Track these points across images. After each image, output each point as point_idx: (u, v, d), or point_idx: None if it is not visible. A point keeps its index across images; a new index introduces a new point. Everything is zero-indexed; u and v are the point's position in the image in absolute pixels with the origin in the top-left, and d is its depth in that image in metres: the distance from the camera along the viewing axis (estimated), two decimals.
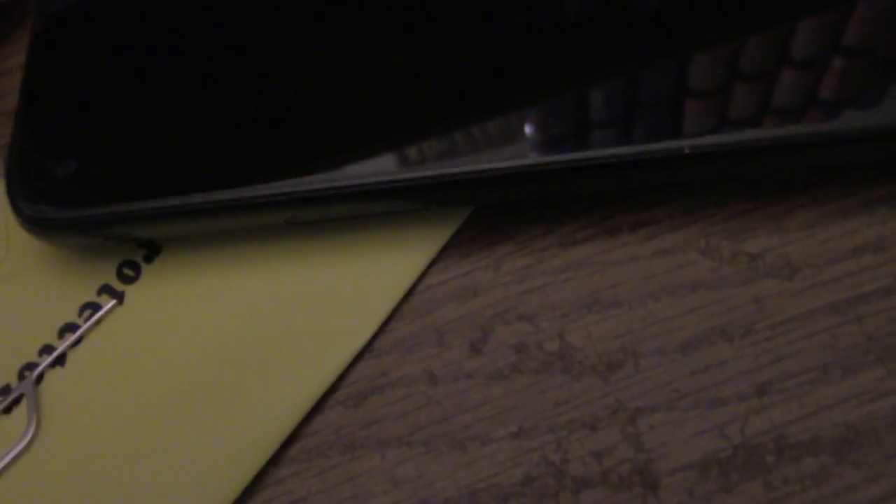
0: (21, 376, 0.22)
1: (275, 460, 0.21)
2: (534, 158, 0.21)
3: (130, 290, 0.23)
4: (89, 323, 0.22)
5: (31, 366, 0.22)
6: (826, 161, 0.21)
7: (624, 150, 0.20)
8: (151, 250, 0.23)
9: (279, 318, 0.22)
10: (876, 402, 0.20)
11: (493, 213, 0.22)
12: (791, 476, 0.19)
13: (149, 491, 0.21)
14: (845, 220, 0.21)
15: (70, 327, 0.22)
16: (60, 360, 0.22)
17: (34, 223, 0.22)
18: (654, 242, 0.22)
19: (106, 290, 0.23)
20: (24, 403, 0.22)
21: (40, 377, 0.22)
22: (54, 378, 0.22)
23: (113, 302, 0.23)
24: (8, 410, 0.22)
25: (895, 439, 0.20)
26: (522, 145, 0.21)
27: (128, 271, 0.23)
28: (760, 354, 0.20)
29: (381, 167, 0.21)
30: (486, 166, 0.21)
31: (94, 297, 0.23)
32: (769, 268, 0.21)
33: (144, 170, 0.22)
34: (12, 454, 0.21)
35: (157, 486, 0.21)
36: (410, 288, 0.22)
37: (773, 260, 0.21)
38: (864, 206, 0.22)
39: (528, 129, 0.21)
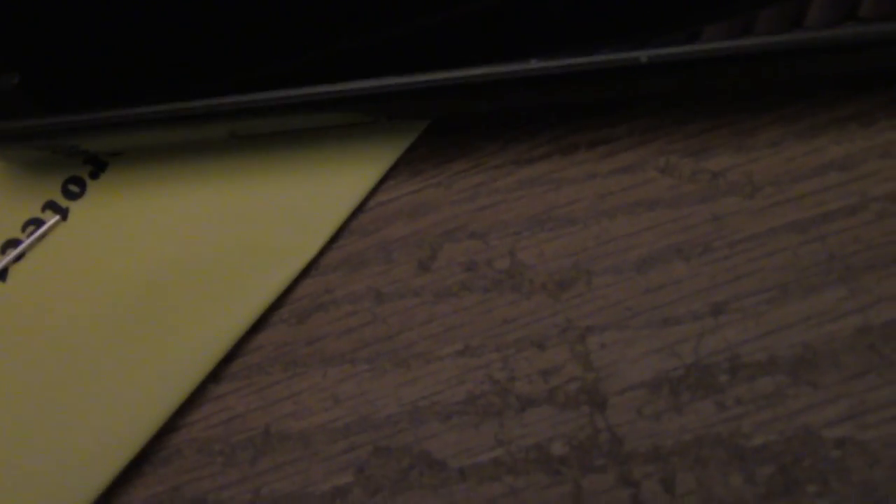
0: None
1: (215, 376, 0.20)
2: (488, 68, 0.20)
3: (75, 207, 0.22)
4: (31, 238, 0.22)
5: None
6: (788, 73, 0.20)
7: (580, 59, 0.20)
8: (97, 167, 0.22)
9: (224, 234, 0.21)
10: (836, 322, 0.19)
11: (447, 131, 0.22)
12: (744, 396, 0.19)
13: (87, 405, 0.20)
14: (812, 139, 0.21)
15: (13, 243, 0.22)
16: (2, 275, 0.22)
17: None
18: (611, 160, 0.21)
19: (50, 205, 0.22)
20: None
21: None
22: None
23: (56, 217, 0.22)
24: None
25: (854, 361, 0.19)
26: (476, 53, 0.20)
27: (73, 187, 0.22)
28: (718, 273, 0.20)
29: (326, 77, 0.20)
30: (436, 76, 0.20)
31: (38, 213, 0.22)
32: (730, 186, 0.20)
33: (89, 81, 0.22)
34: None
35: (96, 400, 0.20)
36: (359, 205, 0.21)
37: (734, 178, 0.20)
38: (832, 124, 0.21)
39: (483, 37, 0.20)
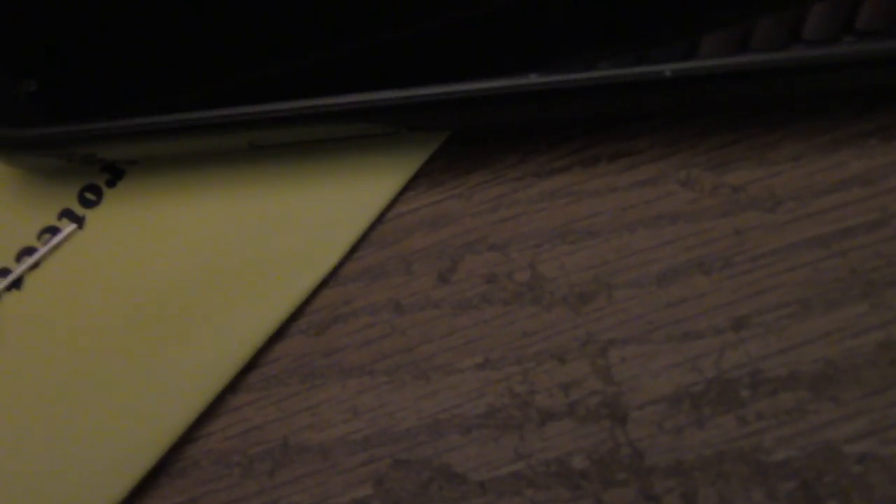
0: None
1: (232, 387, 0.20)
2: (510, 80, 0.20)
3: (91, 215, 0.22)
4: (48, 246, 0.22)
5: None
6: (812, 87, 0.20)
7: (605, 72, 0.20)
8: (114, 174, 0.22)
9: (242, 243, 0.21)
10: (857, 337, 0.19)
11: (468, 142, 0.22)
12: (766, 411, 0.19)
13: (105, 415, 0.20)
14: (834, 153, 0.21)
15: (28, 251, 0.22)
16: (17, 284, 0.21)
17: None
18: (633, 173, 0.21)
19: (66, 214, 0.22)
20: None
21: None
22: (11, 301, 0.21)
23: (73, 226, 0.22)
24: None
25: (876, 376, 0.19)
26: (500, 66, 0.20)
27: (89, 195, 0.22)
28: (739, 288, 0.20)
29: (347, 88, 0.20)
30: (459, 87, 0.20)
31: (53, 221, 0.22)
32: (752, 200, 0.20)
33: (108, 89, 0.21)
34: None
35: (113, 410, 0.20)
36: (379, 216, 0.21)
37: (756, 192, 0.20)
38: (853, 139, 0.21)
39: (507, 49, 0.20)
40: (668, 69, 0.19)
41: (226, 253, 0.21)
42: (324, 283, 0.21)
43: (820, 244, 0.20)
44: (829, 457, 0.18)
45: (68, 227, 0.22)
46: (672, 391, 0.19)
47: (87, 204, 0.22)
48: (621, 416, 0.19)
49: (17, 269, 0.21)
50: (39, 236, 0.22)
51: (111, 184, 0.22)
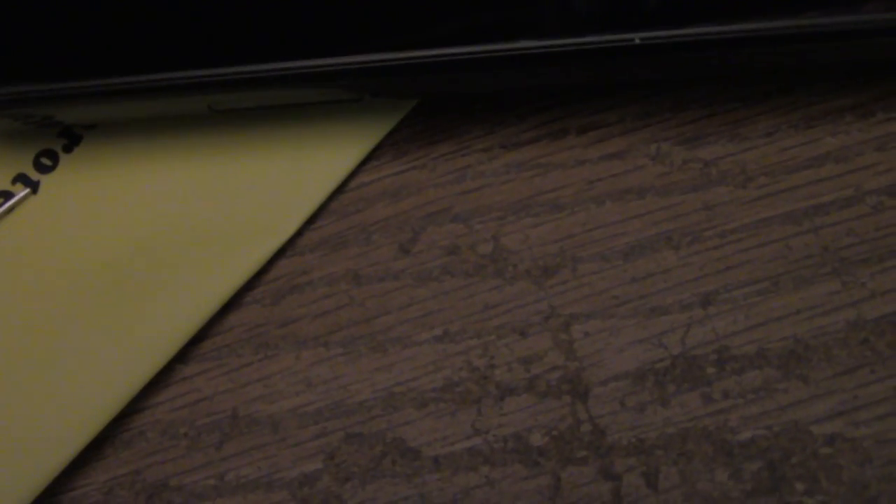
0: None
1: (183, 357, 0.19)
2: (475, 47, 0.19)
3: (46, 180, 0.21)
4: None
5: None
6: (785, 60, 0.20)
7: (571, 40, 0.19)
8: (71, 140, 0.22)
9: (199, 211, 0.21)
10: (828, 315, 0.18)
11: (434, 112, 0.21)
12: (732, 389, 0.18)
13: (49, 382, 0.19)
14: (807, 129, 0.20)
15: None
16: None
17: None
18: (601, 146, 0.20)
19: (21, 178, 0.21)
20: None
21: None
22: None
23: (26, 191, 0.21)
24: None
25: (846, 356, 0.18)
26: (467, 33, 0.19)
27: (45, 160, 0.22)
28: (707, 263, 0.19)
29: (309, 51, 0.20)
30: (424, 53, 0.19)
31: (7, 186, 0.21)
32: (723, 175, 0.20)
33: (64, 48, 0.21)
34: None
35: (58, 377, 0.19)
36: (340, 185, 0.21)
37: (727, 167, 0.20)
38: (828, 115, 0.20)
39: (473, 15, 0.20)
40: (637, 37, 0.19)
41: (181, 220, 0.20)
42: (281, 253, 0.20)
43: (791, 221, 0.19)
44: (796, 437, 0.18)
45: (21, 192, 0.21)
46: (636, 367, 0.18)
47: (43, 169, 0.22)
48: (583, 392, 0.18)
49: None
50: None
51: (68, 149, 0.22)
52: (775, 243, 0.19)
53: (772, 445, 0.18)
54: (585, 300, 0.19)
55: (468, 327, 0.19)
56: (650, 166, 0.20)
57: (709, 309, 0.19)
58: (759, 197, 0.19)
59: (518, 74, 0.20)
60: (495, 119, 0.21)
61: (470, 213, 0.20)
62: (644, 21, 0.19)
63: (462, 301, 0.19)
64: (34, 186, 0.21)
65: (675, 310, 0.19)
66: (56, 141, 0.22)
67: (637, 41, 0.19)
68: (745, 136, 0.20)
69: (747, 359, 0.18)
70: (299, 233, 0.20)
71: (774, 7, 0.19)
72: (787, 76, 0.20)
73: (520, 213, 0.20)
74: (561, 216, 0.20)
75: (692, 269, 0.19)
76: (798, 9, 0.19)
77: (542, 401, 0.18)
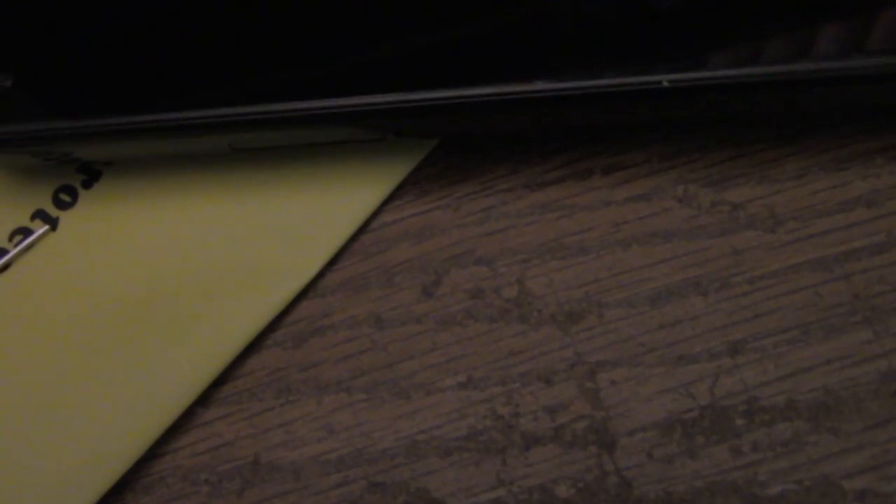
0: None
1: (203, 401, 0.19)
2: (500, 87, 0.19)
3: (65, 217, 0.21)
4: (18, 248, 0.21)
5: None
6: (816, 103, 0.19)
7: (599, 81, 0.19)
8: (90, 175, 0.21)
9: (219, 251, 0.20)
10: (860, 366, 0.18)
11: (457, 151, 0.21)
12: (762, 442, 0.18)
13: (67, 426, 0.19)
14: (838, 172, 0.20)
15: None
16: None
17: None
18: (627, 187, 0.20)
19: (39, 214, 0.21)
20: None
21: None
22: None
23: (45, 227, 0.21)
24: None
25: (878, 408, 0.18)
26: (491, 73, 0.19)
27: (64, 196, 0.21)
28: (736, 310, 0.19)
29: (332, 91, 0.19)
30: (448, 93, 0.19)
31: (26, 222, 0.21)
32: (751, 219, 0.19)
33: (85, 86, 0.21)
34: None
35: (77, 421, 0.19)
36: (362, 225, 0.20)
37: (756, 210, 0.19)
38: (859, 158, 0.20)
39: (499, 57, 0.19)
40: (665, 79, 0.19)
41: (201, 260, 0.20)
42: (302, 294, 0.20)
43: (822, 267, 0.19)
44: (826, 492, 0.17)
45: (41, 229, 0.21)
46: (663, 418, 0.18)
47: (62, 205, 0.21)
48: (609, 443, 0.18)
49: None
50: (11, 237, 0.21)
51: (87, 185, 0.21)
52: (805, 290, 0.19)
53: (802, 501, 0.17)
54: (612, 347, 0.19)
55: (492, 374, 0.19)
56: (677, 209, 0.20)
57: (737, 358, 0.18)
58: (789, 242, 0.19)
59: (542, 116, 0.19)
60: (519, 158, 0.21)
61: (494, 255, 0.20)
62: (670, 63, 0.19)
63: (486, 347, 0.19)
64: (53, 223, 0.21)
65: (703, 358, 0.18)
66: (75, 177, 0.22)
67: (665, 84, 0.19)
68: (774, 178, 0.20)
69: (777, 410, 0.18)
70: (321, 274, 0.20)
71: (803, 50, 0.19)
72: (816, 118, 0.20)
73: (544, 255, 0.20)
74: (587, 259, 0.19)
75: (720, 317, 0.19)
76: (834, 55, 0.18)
77: (568, 451, 0.18)
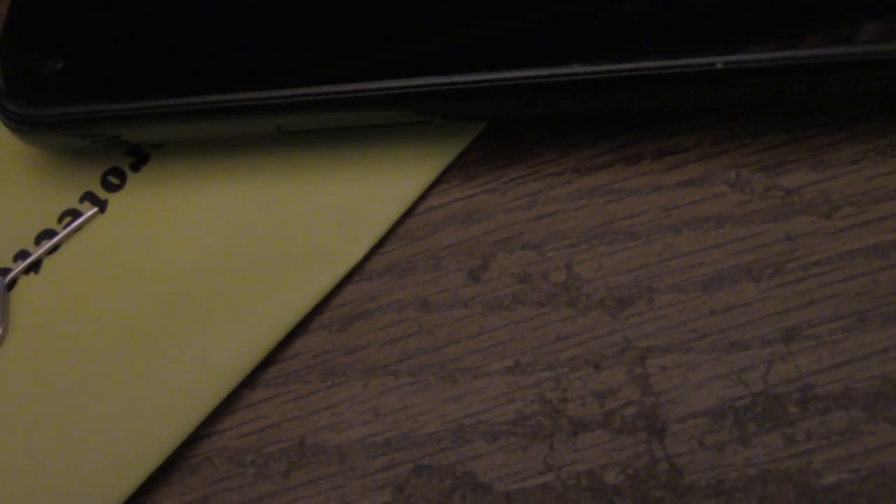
0: None
1: (250, 383, 0.19)
2: (549, 69, 0.19)
3: (114, 199, 0.21)
4: (67, 230, 0.21)
5: (3, 271, 0.21)
6: (872, 86, 0.19)
7: (651, 63, 0.18)
8: (139, 158, 0.22)
9: (266, 233, 0.20)
10: None
11: (505, 134, 0.21)
12: (816, 430, 0.17)
13: (116, 407, 0.19)
14: (894, 157, 0.19)
15: (48, 234, 0.21)
16: (35, 267, 0.21)
17: (18, 121, 0.20)
18: (678, 171, 0.20)
19: (88, 197, 0.21)
20: None
21: (13, 283, 0.21)
22: (27, 285, 0.21)
23: (94, 210, 0.21)
24: None
25: None
26: (541, 55, 0.19)
27: (113, 179, 0.21)
28: (790, 297, 0.18)
29: (380, 73, 0.19)
30: (497, 76, 0.19)
31: (75, 205, 0.21)
32: (806, 204, 0.19)
33: (135, 69, 0.21)
34: None
35: (125, 402, 0.19)
36: (409, 208, 0.20)
37: (810, 196, 0.19)
38: None
39: (548, 38, 0.19)
40: (720, 61, 0.18)
41: (249, 242, 0.20)
42: (348, 278, 0.20)
43: (878, 253, 0.18)
44: (883, 482, 0.17)
45: (90, 211, 0.21)
46: (715, 405, 0.18)
47: (111, 187, 0.21)
48: (659, 429, 0.18)
49: (36, 253, 0.21)
50: (60, 219, 0.21)
51: (135, 167, 0.22)
52: (861, 277, 0.18)
53: (858, 490, 0.17)
54: (662, 333, 0.18)
55: (540, 359, 0.19)
56: (729, 194, 0.19)
57: (791, 345, 0.18)
58: (845, 228, 0.19)
59: (592, 99, 0.19)
60: (567, 142, 0.20)
61: (542, 239, 0.20)
62: (725, 43, 0.19)
63: (534, 331, 0.19)
64: (102, 205, 0.21)
65: (756, 345, 0.18)
66: (123, 159, 0.22)
67: (719, 66, 0.18)
68: (829, 163, 0.19)
69: (832, 398, 0.17)
70: (367, 257, 0.20)
71: (859, 32, 0.18)
72: (873, 101, 0.20)
73: (593, 240, 0.19)
74: (636, 244, 0.19)
75: (774, 303, 0.18)
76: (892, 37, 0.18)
77: (616, 437, 0.18)
